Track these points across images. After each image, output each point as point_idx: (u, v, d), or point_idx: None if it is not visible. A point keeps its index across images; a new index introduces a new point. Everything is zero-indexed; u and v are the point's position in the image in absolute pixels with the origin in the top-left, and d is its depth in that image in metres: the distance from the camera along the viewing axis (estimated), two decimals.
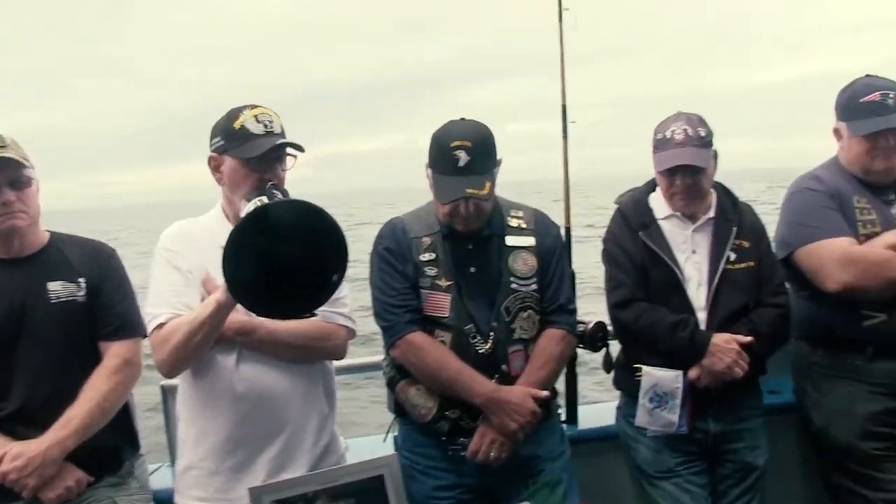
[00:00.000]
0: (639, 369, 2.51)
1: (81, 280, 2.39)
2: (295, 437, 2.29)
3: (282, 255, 1.89)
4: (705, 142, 2.53)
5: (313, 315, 2.08)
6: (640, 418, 2.55)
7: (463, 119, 2.41)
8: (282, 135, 2.28)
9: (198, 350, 2.18)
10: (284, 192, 2.14)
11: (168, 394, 2.83)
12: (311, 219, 1.92)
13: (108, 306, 2.40)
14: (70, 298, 2.36)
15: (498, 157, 2.41)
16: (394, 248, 2.45)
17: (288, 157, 2.31)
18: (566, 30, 3.02)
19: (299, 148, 2.29)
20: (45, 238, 2.44)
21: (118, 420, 2.41)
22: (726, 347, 2.46)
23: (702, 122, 2.56)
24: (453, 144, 2.31)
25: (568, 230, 3.03)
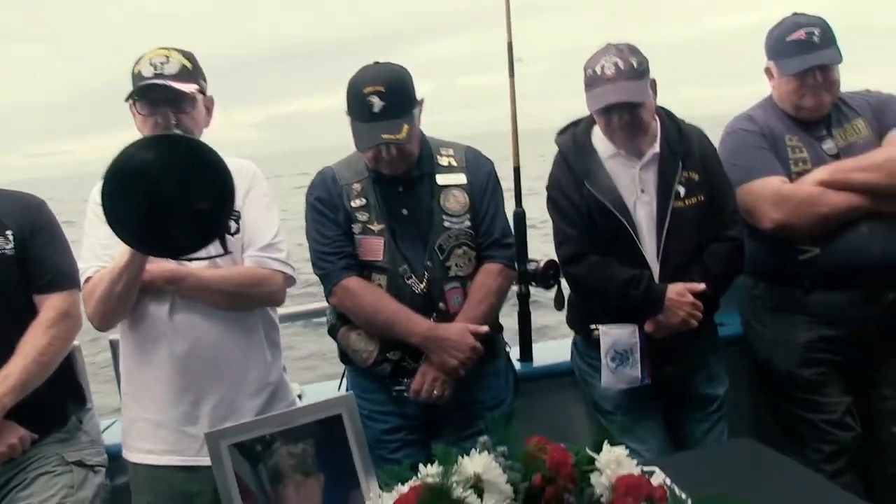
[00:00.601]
0: (595, 329, 2.50)
1: (9, 232, 2.29)
2: (236, 386, 2.28)
3: (162, 193, 1.84)
4: (639, 72, 2.41)
5: (212, 256, 2.06)
6: (606, 379, 2.52)
7: (377, 63, 2.37)
8: (179, 75, 2.21)
9: (122, 300, 2.15)
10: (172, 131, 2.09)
11: (116, 348, 2.78)
12: (187, 155, 1.88)
13: (40, 259, 2.32)
14: None
15: (419, 97, 2.38)
16: (324, 198, 2.44)
17: (190, 99, 2.23)
18: None
19: (187, 87, 2.21)
20: None
21: (61, 374, 2.34)
22: (681, 301, 2.45)
23: (633, 51, 2.44)
24: (366, 90, 2.28)
25: (517, 170, 3.04)
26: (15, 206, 2.35)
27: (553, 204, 2.60)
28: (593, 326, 2.52)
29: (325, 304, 2.56)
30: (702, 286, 2.47)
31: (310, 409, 1.68)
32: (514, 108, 3.05)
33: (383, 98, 2.27)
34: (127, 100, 2.22)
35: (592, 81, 2.44)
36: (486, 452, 1.71)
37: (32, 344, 2.24)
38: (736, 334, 2.95)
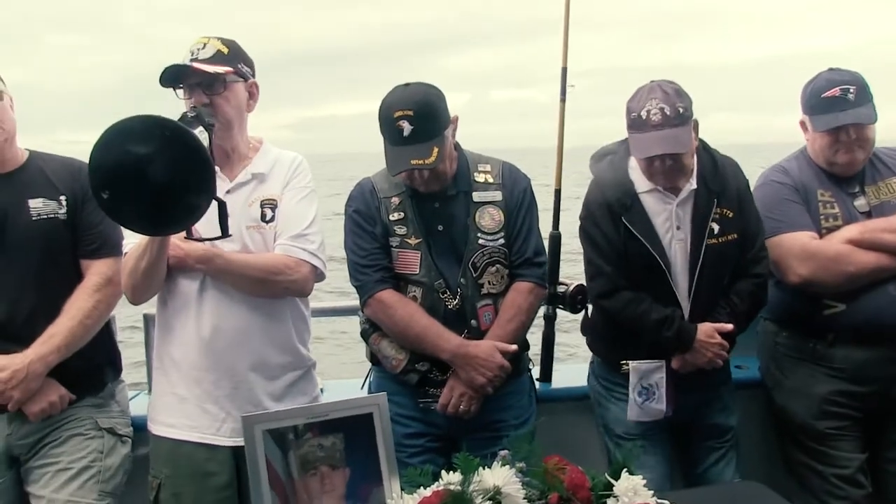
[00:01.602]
0: (624, 364, 2.52)
1: (62, 198, 2.38)
2: (255, 369, 2.31)
3: (146, 172, 1.83)
4: (684, 118, 2.41)
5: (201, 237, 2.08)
6: (632, 413, 2.54)
7: (407, 84, 2.40)
8: (212, 59, 2.25)
9: (146, 276, 2.20)
10: (200, 117, 2.09)
11: (150, 322, 2.85)
12: (171, 139, 1.86)
13: (89, 225, 2.40)
14: (51, 215, 2.36)
15: (452, 114, 2.42)
16: (363, 210, 2.48)
17: (221, 80, 2.27)
18: None
19: (216, 68, 2.24)
20: (23, 156, 2.42)
21: (100, 341, 2.43)
22: (709, 342, 2.49)
23: (678, 94, 2.44)
24: (396, 115, 2.32)
25: (558, 192, 3.06)
26: (67, 173, 2.43)
27: (587, 236, 2.60)
28: (623, 362, 2.53)
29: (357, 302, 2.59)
30: (730, 327, 2.51)
31: (343, 405, 1.73)
32: (562, 132, 3.08)
33: (412, 122, 2.30)
34: (162, 85, 2.26)
35: (637, 125, 2.45)
36: (506, 466, 1.76)
37: (78, 306, 2.33)
38: (753, 378, 2.96)
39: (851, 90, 2.61)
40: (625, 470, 1.73)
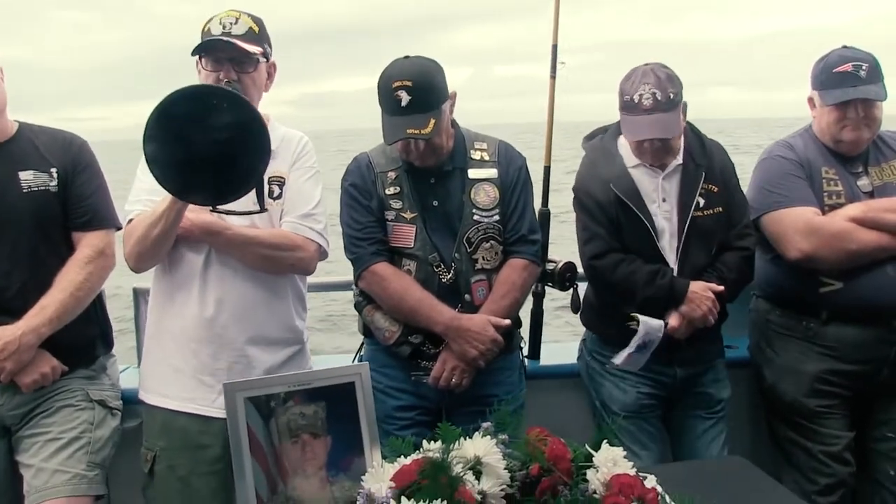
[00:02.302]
0: (634, 318, 2.54)
1: (53, 170, 2.38)
2: (256, 344, 2.33)
3: (202, 143, 1.90)
4: (674, 102, 2.51)
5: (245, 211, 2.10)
6: (622, 360, 2.57)
7: (407, 57, 2.42)
8: (246, 36, 2.28)
9: (157, 244, 2.21)
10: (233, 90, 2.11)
11: (140, 296, 2.86)
12: (231, 109, 1.92)
13: (80, 197, 2.40)
14: (42, 188, 2.36)
15: (450, 90, 2.44)
16: (359, 184, 2.50)
17: (254, 60, 2.30)
18: None
19: (251, 47, 2.27)
20: (13, 128, 2.42)
21: (92, 313, 2.45)
22: (703, 295, 2.54)
23: (670, 79, 2.53)
24: (395, 85, 2.34)
25: (547, 169, 3.07)
26: (58, 146, 2.43)
27: (580, 203, 2.68)
28: (633, 315, 2.55)
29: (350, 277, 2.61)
30: (721, 288, 2.56)
31: (325, 374, 1.74)
32: (552, 108, 3.09)
33: (410, 92, 2.32)
34: (193, 54, 2.29)
35: (629, 108, 2.54)
36: (488, 437, 1.77)
37: (69, 279, 2.33)
38: (744, 358, 2.98)
39: (864, 67, 2.62)
40: (605, 441, 1.74)
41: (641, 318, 2.53)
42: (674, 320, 2.55)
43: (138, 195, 2.32)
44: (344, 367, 1.77)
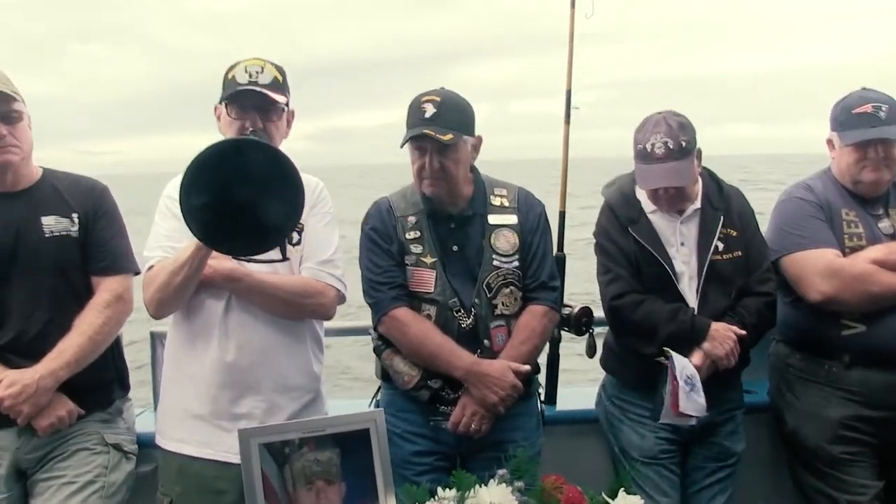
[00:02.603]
0: (664, 354, 2.49)
1: (75, 215, 2.42)
2: (276, 390, 2.34)
3: (236, 193, 1.93)
4: (686, 150, 2.53)
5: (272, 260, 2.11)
6: (684, 404, 2.46)
7: (442, 88, 2.46)
8: (271, 85, 2.32)
9: (180, 291, 2.23)
10: (260, 139, 2.17)
11: (157, 340, 2.87)
12: (267, 162, 1.97)
13: (100, 242, 2.44)
14: (64, 233, 2.40)
15: (476, 133, 2.47)
16: (379, 228, 2.51)
17: (278, 109, 2.35)
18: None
19: (278, 97, 2.32)
20: (37, 173, 2.47)
21: (109, 358, 2.47)
22: (725, 335, 2.51)
23: (682, 127, 2.54)
24: (423, 99, 2.39)
25: (562, 214, 3.08)
26: (80, 191, 2.48)
27: (600, 248, 2.69)
28: (666, 349, 2.50)
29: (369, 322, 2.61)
30: (743, 332, 2.52)
31: (340, 420, 1.74)
32: (566, 154, 3.11)
33: (437, 106, 2.36)
34: (221, 102, 2.34)
35: (642, 157, 2.57)
36: (503, 484, 1.75)
37: (88, 322, 2.36)
38: (762, 402, 2.93)
39: (883, 108, 2.62)
40: (622, 489, 1.72)
41: (673, 353, 2.48)
42: (696, 358, 2.51)
43: (158, 241, 2.34)
44: (359, 413, 1.77)
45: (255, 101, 2.31)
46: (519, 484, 1.81)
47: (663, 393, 2.48)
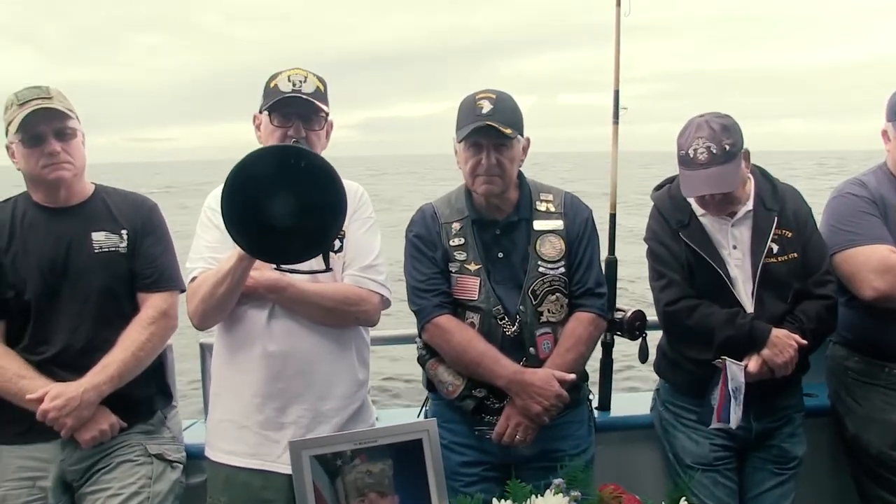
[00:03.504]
0: (720, 359, 2.42)
1: (124, 231, 2.45)
2: (322, 398, 2.31)
3: (279, 202, 1.92)
4: (731, 154, 2.44)
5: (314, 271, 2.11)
6: (725, 413, 2.42)
7: (492, 89, 2.43)
8: (314, 94, 2.32)
9: (223, 302, 2.23)
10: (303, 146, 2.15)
11: (206, 351, 2.88)
12: (310, 170, 1.95)
13: (148, 258, 2.46)
14: (112, 249, 2.42)
15: (525, 135, 2.44)
16: (424, 235, 2.49)
17: (321, 119, 2.35)
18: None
19: (320, 107, 2.31)
20: (89, 189, 2.50)
21: (152, 371, 2.47)
22: (787, 342, 2.43)
23: (725, 129, 2.45)
24: (478, 97, 2.37)
25: (613, 217, 3.03)
26: (129, 207, 2.51)
27: (652, 253, 2.63)
28: (722, 358, 2.43)
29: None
30: (804, 342, 2.43)
31: (392, 430, 1.71)
32: (615, 156, 3.05)
33: (493, 103, 2.34)
34: (263, 110, 2.33)
35: (685, 162, 2.49)
36: (560, 495, 1.71)
37: (132, 338, 2.37)
38: (822, 406, 2.84)
39: None
40: (683, 499, 1.67)
41: (729, 361, 2.41)
42: (753, 364, 2.43)
43: (200, 252, 2.34)
44: (411, 423, 1.74)
45: (299, 109, 2.30)
46: (575, 494, 1.77)
47: (711, 399, 2.42)
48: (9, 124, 2.33)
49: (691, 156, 2.45)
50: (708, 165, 2.43)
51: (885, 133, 2.68)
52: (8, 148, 2.39)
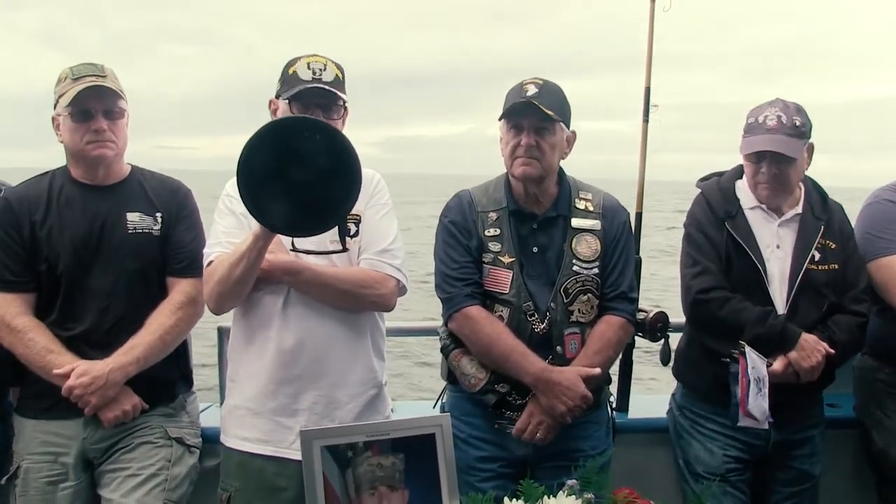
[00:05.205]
0: (740, 346, 2.37)
1: (158, 214, 2.47)
2: (337, 385, 2.30)
3: (294, 170, 1.92)
4: (799, 132, 2.44)
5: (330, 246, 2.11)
6: (752, 403, 2.36)
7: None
8: (334, 83, 2.30)
9: (239, 284, 2.21)
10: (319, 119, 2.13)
11: (224, 335, 2.87)
12: (327, 143, 1.95)
13: (180, 243, 2.47)
14: (146, 230, 2.44)
15: (571, 127, 2.41)
16: (459, 222, 2.45)
17: (339, 108, 2.33)
18: (658, 12, 2.96)
19: (339, 96, 2.30)
20: (127, 170, 2.52)
21: (175, 355, 2.49)
22: (815, 347, 2.39)
23: (800, 111, 2.45)
24: (525, 82, 2.36)
25: (639, 215, 2.99)
26: (165, 191, 2.53)
27: (690, 239, 2.58)
28: (741, 344, 2.38)
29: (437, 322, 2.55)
30: (832, 351, 2.39)
31: (405, 424, 1.69)
32: (644, 152, 3.01)
33: (539, 87, 2.33)
34: (283, 98, 2.31)
35: (751, 129, 2.47)
36: (572, 496, 1.68)
37: (160, 322, 2.39)
38: (847, 417, 2.79)
39: None
40: None
41: (748, 348, 2.36)
42: (779, 364, 2.39)
43: (217, 237, 2.33)
44: (425, 417, 1.72)
45: (319, 98, 2.29)
46: (588, 496, 1.74)
47: (735, 392, 2.36)
48: (60, 97, 2.36)
49: (760, 121, 2.45)
50: (775, 132, 2.42)
51: None
52: (54, 119, 2.42)
